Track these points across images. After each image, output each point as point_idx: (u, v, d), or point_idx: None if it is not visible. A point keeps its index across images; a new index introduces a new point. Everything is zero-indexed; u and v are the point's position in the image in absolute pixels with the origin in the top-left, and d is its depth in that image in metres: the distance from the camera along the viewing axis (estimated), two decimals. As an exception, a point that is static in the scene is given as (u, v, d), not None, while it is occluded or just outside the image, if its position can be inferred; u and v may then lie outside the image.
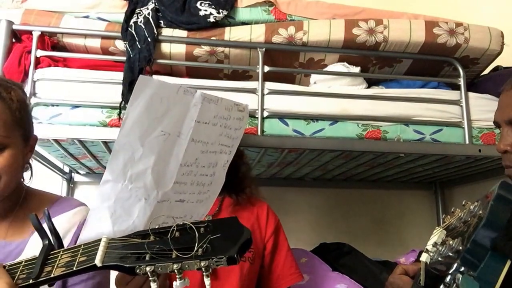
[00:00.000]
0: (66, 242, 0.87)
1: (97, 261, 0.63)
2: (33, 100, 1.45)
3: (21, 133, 0.94)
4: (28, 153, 0.98)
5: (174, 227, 0.64)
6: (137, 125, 0.71)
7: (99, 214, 0.73)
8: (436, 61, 1.76)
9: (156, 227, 0.66)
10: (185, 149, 0.79)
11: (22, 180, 0.99)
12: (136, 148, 0.71)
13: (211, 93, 1.47)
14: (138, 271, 0.61)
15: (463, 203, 0.61)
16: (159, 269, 0.60)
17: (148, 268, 0.60)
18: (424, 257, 0.65)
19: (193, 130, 0.80)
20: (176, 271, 0.59)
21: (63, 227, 0.92)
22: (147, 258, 0.61)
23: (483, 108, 1.69)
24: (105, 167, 0.87)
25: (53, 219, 0.90)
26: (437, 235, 0.64)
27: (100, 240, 0.67)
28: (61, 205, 0.97)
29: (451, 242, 0.54)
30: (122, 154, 0.71)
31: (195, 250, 0.59)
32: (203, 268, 0.58)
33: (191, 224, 0.63)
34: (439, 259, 0.57)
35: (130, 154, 0.71)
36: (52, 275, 0.65)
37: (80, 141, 1.55)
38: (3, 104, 0.90)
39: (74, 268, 0.65)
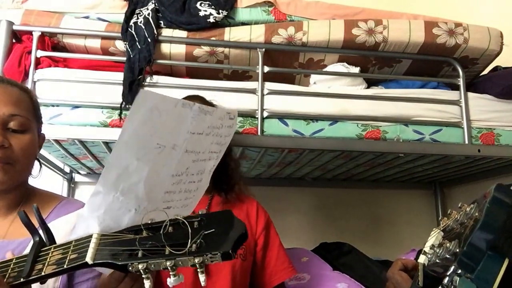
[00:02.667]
0: None
1: (88, 259, 0.61)
2: (33, 101, 1.46)
3: (36, 126, 0.97)
4: (37, 148, 0.99)
5: (167, 222, 0.62)
6: (134, 138, 0.69)
7: (88, 222, 0.72)
8: (436, 61, 1.76)
9: (149, 221, 0.64)
10: (178, 161, 0.78)
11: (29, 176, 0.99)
12: (131, 162, 0.70)
13: (211, 93, 1.50)
14: (130, 268, 0.59)
15: (459, 205, 0.62)
16: (152, 266, 0.58)
17: (140, 266, 0.58)
18: (422, 259, 0.66)
19: (187, 142, 0.79)
20: (169, 268, 0.57)
21: (66, 228, 0.92)
22: (139, 254, 0.59)
23: (482, 108, 1.69)
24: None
25: (56, 220, 0.91)
26: (434, 237, 0.65)
27: (91, 236, 0.65)
28: (65, 206, 0.97)
29: (448, 244, 0.55)
30: (116, 167, 0.70)
31: (188, 246, 0.57)
32: (197, 265, 0.57)
33: (183, 219, 0.61)
34: (437, 261, 0.57)
35: (124, 167, 0.70)
36: (43, 273, 0.64)
37: (81, 142, 1.55)
38: (25, 93, 0.96)
39: (65, 266, 0.63)
